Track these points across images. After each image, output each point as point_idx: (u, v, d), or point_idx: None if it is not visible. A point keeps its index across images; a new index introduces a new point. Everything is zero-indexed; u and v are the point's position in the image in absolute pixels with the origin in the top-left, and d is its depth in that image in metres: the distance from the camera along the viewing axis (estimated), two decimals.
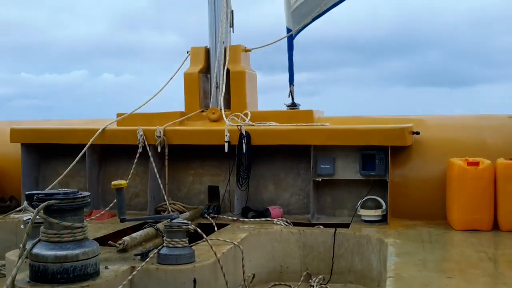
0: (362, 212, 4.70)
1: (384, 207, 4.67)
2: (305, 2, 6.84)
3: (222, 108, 5.43)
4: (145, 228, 3.97)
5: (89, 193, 2.94)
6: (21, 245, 2.79)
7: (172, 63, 5.89)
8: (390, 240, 3.93)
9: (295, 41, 6.99)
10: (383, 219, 4.65)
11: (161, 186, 5.04)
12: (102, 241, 3.75)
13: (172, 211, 4.84)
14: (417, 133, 4.90)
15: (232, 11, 6.01)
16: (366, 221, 4.65)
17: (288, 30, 7.02)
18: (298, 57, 6.88)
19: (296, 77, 6.88)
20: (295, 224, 4.67)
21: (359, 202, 4.73)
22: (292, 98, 6.68)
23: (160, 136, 4.97)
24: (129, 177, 4.91)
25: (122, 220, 3.42)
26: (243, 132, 4.81)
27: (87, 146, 5.09)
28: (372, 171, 4.77)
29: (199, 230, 3.34)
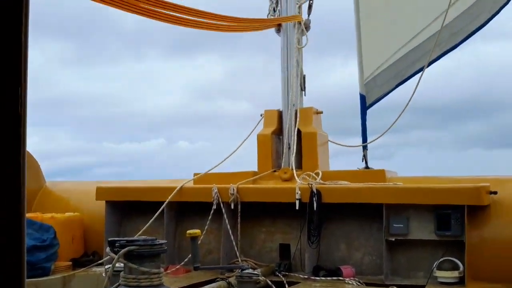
0: (439, 273, 4.55)
1: (461, 268, 4.51)
2: (380, 75, 6.98)
3: (294, 168, 5.56)
4: (217, 281, 4.07)
5: (165, 241, 3.11)
6: None
7: (244, 129, 6.21)
8: None
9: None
10: (461, 281, 4.47)
11: (234, 243, 5.16)
12: None
13: None
14: (495, 192, 4.75)
15: (304, 76, 6.27)
16: (442, 283, 4.50)
17: (361, 96, 7.15)
18: (372, 121, 6.95)
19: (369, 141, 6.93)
20: (368, 284, 4.59)
21: (435, 263, 4.59)
22: (366, 162, 6.70)
23: (233, 194, 5.15)
24: (203, 233, 5.07)
25: (196, 268, 3.55)
26: (314, 190, 4.89)
27: (165, 203, 5.35)
28: (448, 231, 4.64)
29: (269, 282, 3.40)
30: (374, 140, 6.60)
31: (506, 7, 6.29)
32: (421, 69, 6.80)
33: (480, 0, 6.42)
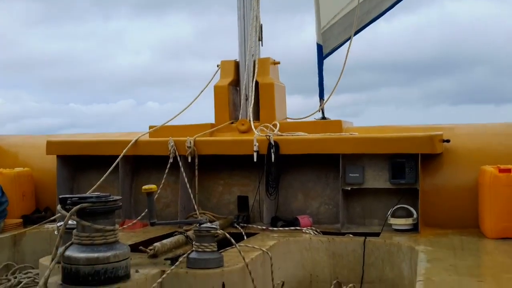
0: (393, 221, 4.66)
1: (415, 215, 4.62)
2: (337, 24, 6.88)
3: (251, 119, 5.48)
4: (175, 235, 4.02)
5: (120, 197, 3.01)
6: (54, 248, 2.87)
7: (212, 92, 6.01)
8: (421, 248, 3.89)
9: (335, 63, 7.00)
10: (414, 228, 4.60)
11: (192, 196, 5.10)
12: (134, 248, 3.81)
13: None
14: (447, 141, 4.84)
15: (261, 25, 6.10)
16: (397, 230, 4.61)
17: (319, 46, 7.06)
18: (342, 79, 6.85)
19: (339, 98, 6.86)
20: (325, 233, 4.65)
21: (390, 211, 4.69)
22: (323, 113, 6.69)
23: (190, 147, 5.05)
24: (160, 187, 4.98)
25: (152, 224, 3.49)
26: (272, 142, 4.85)
27: (120, 156, 5.20)
28: (402, 179, 4.72)
29: (227, 235, 3.38)
30: (328, 99, 6.56)
31: None
32: (375, 19, 6.77)
33: None
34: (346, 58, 6.35)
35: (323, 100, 6.87)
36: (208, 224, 3.33)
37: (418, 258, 3.58)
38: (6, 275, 4.70)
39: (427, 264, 3.40)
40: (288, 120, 6.17)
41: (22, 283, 4.45)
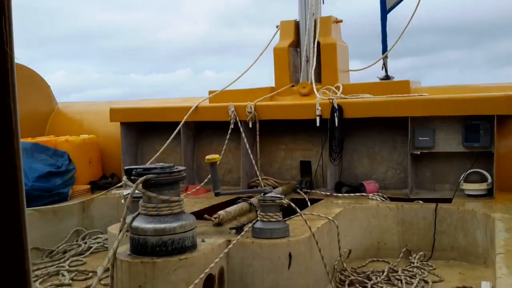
0: (466, 186, 4.42)
1: (489, 180, 4.37)
2: None
3: (313, 81, 5.30)
4: (239, 202, 3.98)
5: (184, 167, 2.97)
6: (121, 219, 2.88)
7: (271, 56, 5.81)
8: (498, 215, 3.66)
9: (396, 23, 6.67)
10: (489, 193, 4.35)
11: (253, 162, 5.03)
12: (198, 215, 3.78)
13: (265, 186, 4.82)
14: None
15: None
16: (470, 196, 4.38)
17: (382, 1, 6.73)
18: (401, 43, 6.52)
19: (400, 62, 6.60)
20: (392, 199, 4.48)
21: (462, 176, 4.45)
22: (386, 71, 6.40)
23: (251, 112, 4.95)
24: (222, 153, 4.94)
25: (217, 194, 3.44)
26: (335, 105, 4.67)
27: (181, 123, 5.18)
28: (476, 142, 4.45)
29: (292, 205, 3.28)
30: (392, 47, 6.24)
31: None
32: None
33: None
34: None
35: (387, 57, 6.57)
36: (273, 194, 3.24)
37: (496, 227, 3.36)
38: (77, 240, 4.85)
39: (505, 234, 3.19)
40: (351, 71, 5.93)
41: (92, 248, 4.58)
